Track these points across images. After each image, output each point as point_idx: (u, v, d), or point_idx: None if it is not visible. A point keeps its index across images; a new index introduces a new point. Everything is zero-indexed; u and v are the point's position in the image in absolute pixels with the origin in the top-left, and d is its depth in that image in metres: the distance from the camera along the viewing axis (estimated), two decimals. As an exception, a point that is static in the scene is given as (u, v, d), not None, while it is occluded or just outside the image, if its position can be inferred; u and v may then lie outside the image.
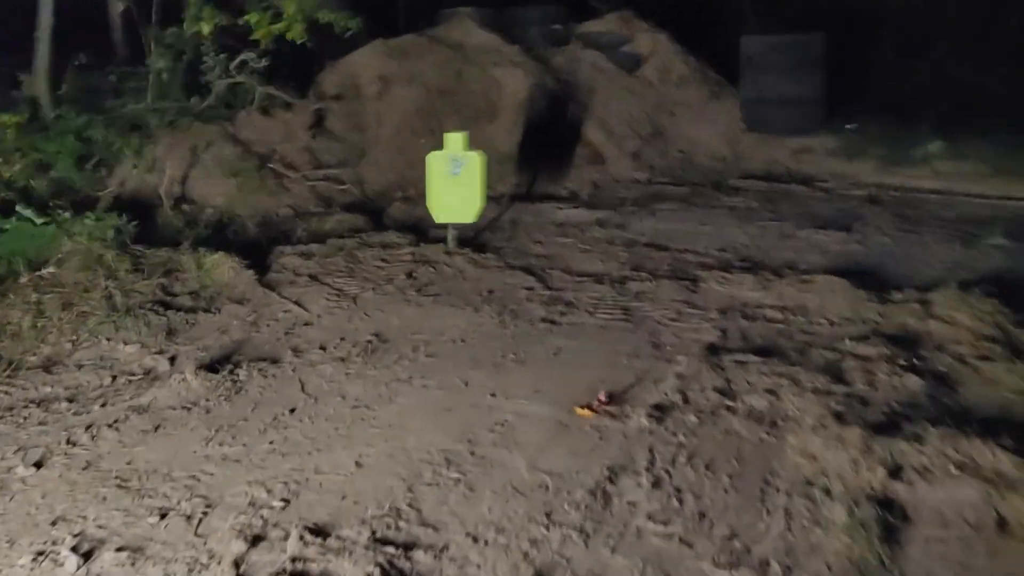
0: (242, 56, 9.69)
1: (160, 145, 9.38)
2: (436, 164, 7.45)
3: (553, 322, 6.02)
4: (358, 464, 4.07)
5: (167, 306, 6.28)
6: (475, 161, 7.41)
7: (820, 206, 9.60)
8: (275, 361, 5.49)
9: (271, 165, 9.85)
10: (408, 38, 11.93)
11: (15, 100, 9.64)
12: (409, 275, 7.04)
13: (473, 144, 11.31)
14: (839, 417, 4.17)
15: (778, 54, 12.24)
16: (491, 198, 9.66)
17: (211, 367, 5.31)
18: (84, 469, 4.10)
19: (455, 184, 7.42)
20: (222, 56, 9.89)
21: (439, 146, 7.52)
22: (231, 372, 5.27)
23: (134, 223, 7.26)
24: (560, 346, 5.59)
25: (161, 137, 9.46)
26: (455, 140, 7.40)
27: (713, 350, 5.39)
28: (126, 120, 9.66)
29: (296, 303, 6.48)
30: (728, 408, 4.51)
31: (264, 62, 10.08)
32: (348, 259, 7.45)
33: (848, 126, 12.08)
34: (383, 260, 7.43)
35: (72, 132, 8.84)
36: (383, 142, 11.00)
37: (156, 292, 6.47)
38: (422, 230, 8.21)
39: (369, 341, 5.79)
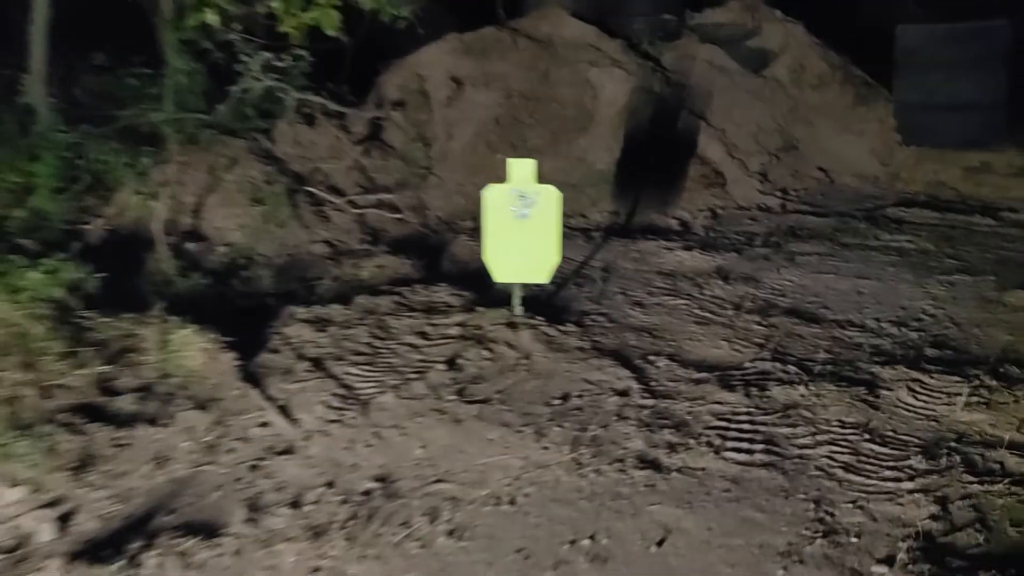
0: (266, 55, 7.63)
1: (170, 165, 7.43)
2: (496, 202, 5.25)
3: (657, 467, 3.77)
4: None
5: (97, 415, 4.27)
6: (550, 199, 5.19)
7: (1022, 248, 7.03)
8: (213, 534, 3.41)
9: (310, 188, 7.81)
10: (487, 32, 9.75)
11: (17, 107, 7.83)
12: (451, 363, 4.88)
13: (562, 160, 9.16)
14: None
15: (948, 47, 9.60)
16: (579, 231, 7.47)
17: (104, 548, 3.26)
18: None
19: (521, 231, 5.21)
20: (257, 55, 7.86)
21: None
22: (131, 562, 3.20)
23: (101, 275, 5.28)
24: (667, 525, 3.35)
25: (173, 155, 7.52)
26: (522, 169, 5.18)
27: (932, 544, 3.06)
28: (135, 133, 7.75)
29: (282, 410, 4.38)
30: None
31: (298, 61, 8.02)
32: (375, 330, 5.34)
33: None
34: (422, 334, 5.28)
35: (59, 149, 6.95)
36: (452, 159, 8.86)
37: (89, 390, 4.46)
38: (486, 281, 5.99)
39: (368, 493, 3.67)
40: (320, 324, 5.43)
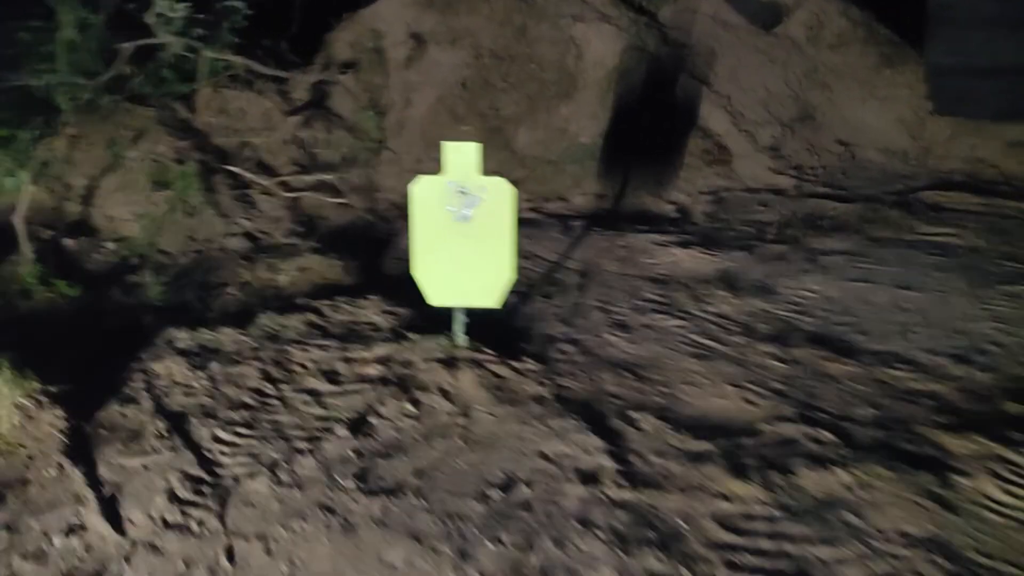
0: (180, 5, 6.18)
1: (56, 139, 6.05)
2: (427, 200, 3.86)
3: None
4: None
5: None
6: (500, 196, 3.81)
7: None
8: None
9: (232, 167, 6.40)
10: (455, -19, 8.26)
11: None
12: (360, 424, 3.52)
13: (540, 131, 7.76)
14: None
15: (990, 1, 8.08)
16: (556, 218, 6.09)
17: None
18: None
19: (462, 238, 3.83)
20: (167, 3, 6.42)
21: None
22: None
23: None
24: None
25: (62, 127, 6.13)
26: (462, 155, 3.78)
27: None
28: (29, 100, 6.35)
29: (106, 504, 3.04)
30: None
31: (232, 14, 6.58)
32: (271, 368, 3.99)
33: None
34: (331, 374, 3.94)
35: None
36: (410, 130, 7.45)
37: None
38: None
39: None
40: (201, 358, 4.08)
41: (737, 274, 5.26)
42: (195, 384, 3.86)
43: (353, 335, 4.32)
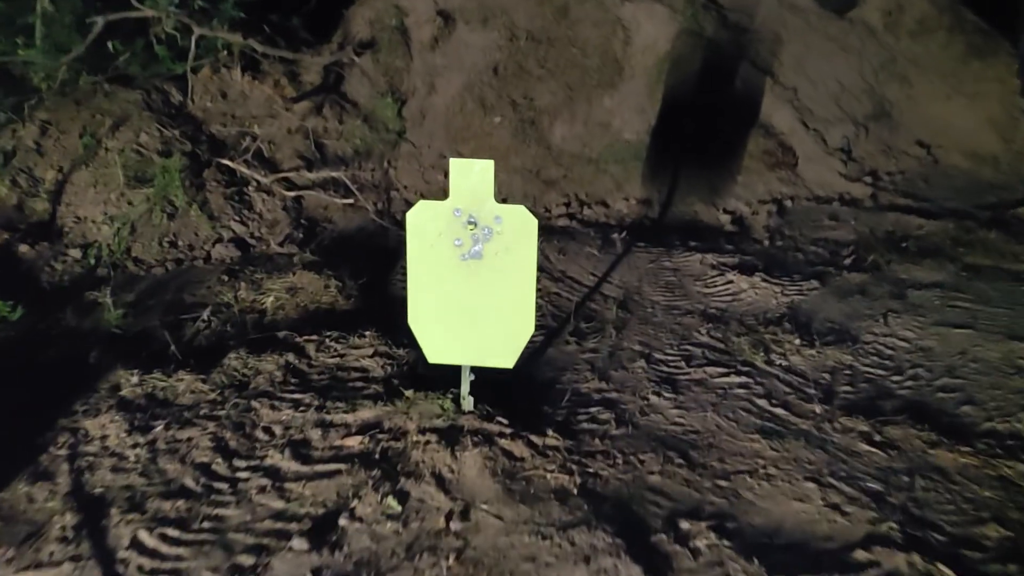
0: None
1: (27, 127, 5.25)
2: (427, 233, 2.97)
3: None
4: None
5: None
6: (520, 230, 2.90)
7: None
8: None
9: (226, 161, 5.56)
10: (489, -48, 7.32)
11: None
12: (324, 531, 2.67)
13: (579, 126, 6.81)
14: None
15: (1101, -14, 7.01)
16: (594, 228, 5.21)
17: None
18: None
19: (470, 282, 2.93)
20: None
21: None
22: None
23: None
24: None
25: (31, 112, 5.33)
26: (473, 176, 2.88)
27: None
28: (7, 78, 5.58)
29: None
30: None
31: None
32: (228, 435, 3.15)
33: None
34: (301, 446, 3.09)
35: None
36: (433, 120, 6.56)
37: None
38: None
39: None
40: (147, 414, 3.25)
41: (810, 313, 4.32)
42: (130, 455, 3.04)
43: (337, 387, 3.47)
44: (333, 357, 3.74)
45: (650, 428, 3.31)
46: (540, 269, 4.83)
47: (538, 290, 4.65)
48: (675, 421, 3.36)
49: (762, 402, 3.49)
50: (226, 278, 4.62)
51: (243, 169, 5.59)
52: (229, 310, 4.28)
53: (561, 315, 4.32)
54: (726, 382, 3.65)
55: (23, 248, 4.65)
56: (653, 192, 6.24)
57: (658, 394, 3.55)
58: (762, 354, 3.86)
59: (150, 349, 3.84)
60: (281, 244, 5.22)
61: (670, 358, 3.88)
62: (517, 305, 2.99)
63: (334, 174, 5.85)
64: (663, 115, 6.62)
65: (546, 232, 5.55)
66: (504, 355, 3.06)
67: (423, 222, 2.96)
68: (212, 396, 3.41)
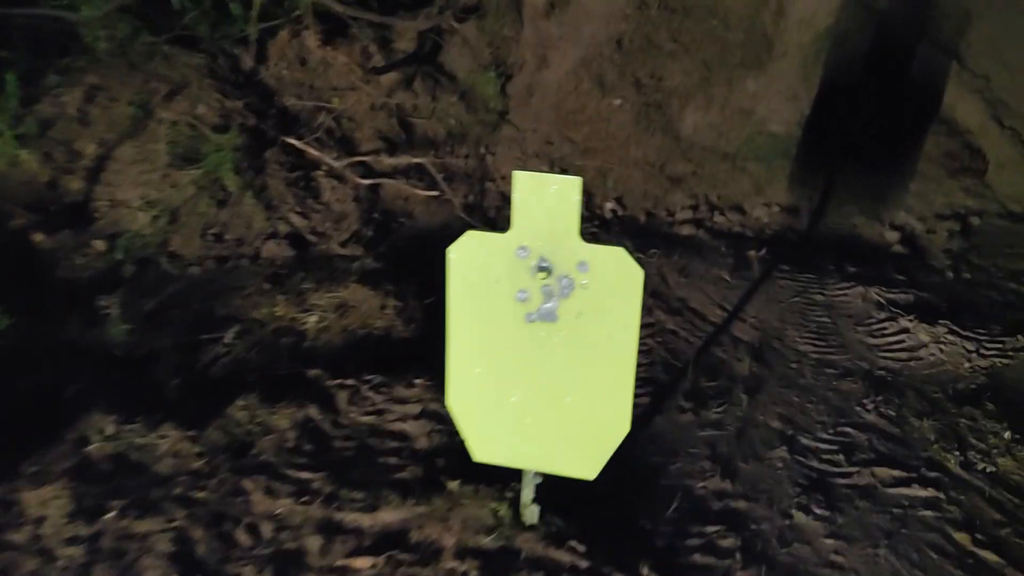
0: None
1: (72, 91, 4.53)
2: (476, 280, 1.94)
3: None
4: None
5: None
6: (619, 283, 1.85)
7: None
8: None
9: (292, 140, 4.71)
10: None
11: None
12: None
13: (715, 112, 5.64)
14: None
15: None
16: (724, 239, 4.14)
17: None
18: None
19: (541, 353, 1.91)
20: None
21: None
22: None
23: None
24: None
25: (85, 75, 4.62)
26: (554, 197, 1.84)
27: None
28: (51, 36, 4.88)
29: None
30: None
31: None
32: (192, 538, 2.26)
33: None
34: (290, 569, 2.13)
35: None
36: (542, 99, 5.55)
37: None
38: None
39: None
40: (104, 488, 2.39)
41: (1018, 387, 3.12)
42: (60, 555, 2.19)
43: (362, 462, 2.54)
44: (368, 414, 2.82)
45: (793, 569, 2.24)
46: (654, 295, 3.79)
47: (649, 324, 3.62)
48: (829, 560, 2.28)
49: (961, 536, 2.36)
50: (268, 286, 3.77)
51: (312, 150, 4.73)
52: (262, 330, 3.41)
53: (675, 364, 3.27)
54: (905, 495, 2.54)
55: (39, 237, 3.90)
56: (802, 198, 5.07)
57: (806, 509, 2.47)
58: (956, 452, 2.72)
59: (147, 382, 3.01)
60: (345, 243, 4.35)
61: (823, 446, 2.79)
62: (606, 393, 1.98)
63: (419, 160, 4.93)
64: (819, 103, 5.41)
65: (666, 243, 4.50)
66: (582, 462, 2.06)
67: (472, 263, 1.97)
68: (197, 464, 2.54)
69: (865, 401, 3.07)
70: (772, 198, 5.11)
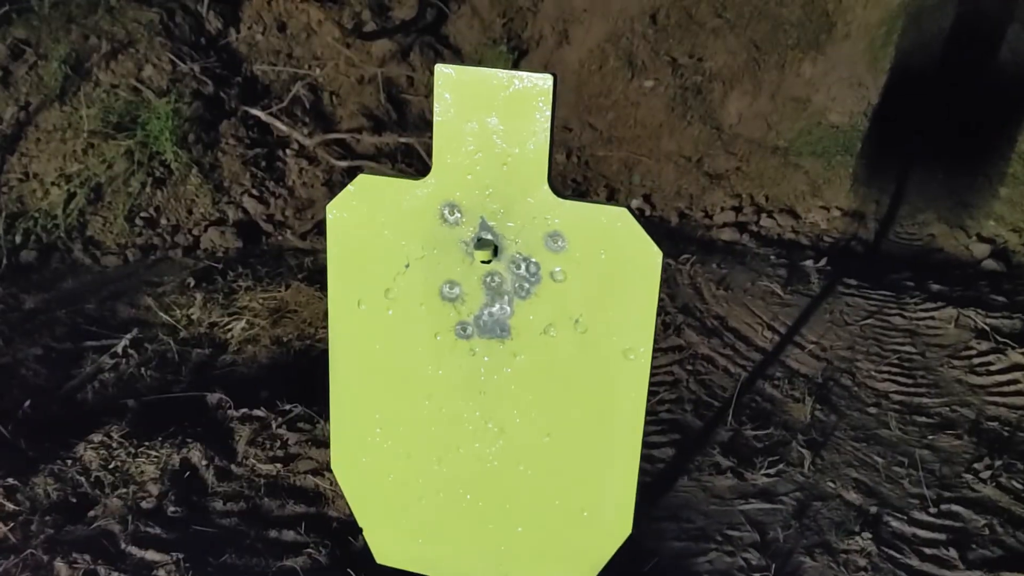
0: None
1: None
2: (369, 260, 1.06)
3: None
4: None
5: None
6: (625, 259, 0.97)
7: None
8: None
9: (255, 111, 3.91)
10: None
11: None
12: None
13: (765, 101, 4.74)
14: None
15: None
16: (775, 247, 3.24)
17: None
18: None
19: (482, 391, 1.02)
20: None
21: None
22: None
23: None
24: None
25: (12, 28, 3.86)
26: (510, 110, 0.96)
27: None
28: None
29: None
30: None
31: None
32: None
33: None
34: None
35: None
36: (560, 80, 4.63)
37: None
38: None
39: None
40: None
41: None
42: None
43: (241, 540, 1.69)
44: (270, 461, 1.98)
45: None
46: (684, 310, 2.92)
47: (677, 348, 2.75)
48: None
49: None
50: (192, 282, 2.93)
51: (280, 124, 3.93)
52: (170, 337, 2.58)
53: (712, 404, 2.39)
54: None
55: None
56: (867, 201, 4.18)
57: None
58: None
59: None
60: (305, 235, 3.53)
61: (923, 533, 1.89)
62: (595, 469, 1.10)
63: (408, 140, 4.10)
64: (889, 92, 4.52)
65: (702, 249, 3.63)
66: (574, 570, 1.18)
67: (365, 231, 1.11)
68: (3, 530, 1.69)
69: (977, 466, 2.17)
70: (831, 201, 4.22)
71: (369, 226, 1.12)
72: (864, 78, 4.63)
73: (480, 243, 1.08)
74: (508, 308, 1.11)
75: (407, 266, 1.12)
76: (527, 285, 1.09)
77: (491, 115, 1.04)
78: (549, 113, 1.02)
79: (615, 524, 1.14)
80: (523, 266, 1.08)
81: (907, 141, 4.39)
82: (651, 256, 1.03)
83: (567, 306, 1.08)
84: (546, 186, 1.05)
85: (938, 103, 4.46)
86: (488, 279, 1.10)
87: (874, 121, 4.49)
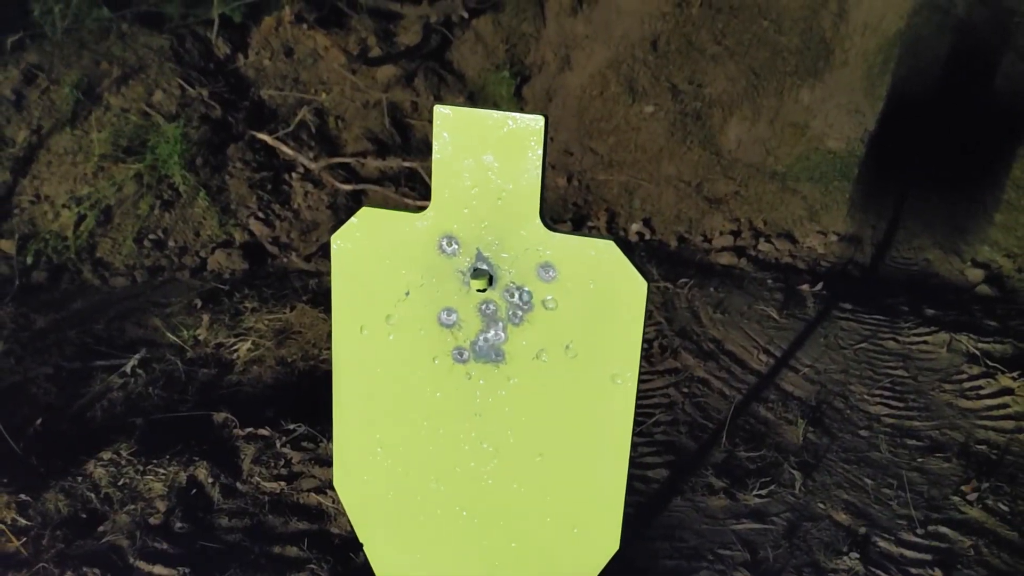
0: None
1: (11, 70, 3.87)
2: (370, 288, 1.14)
3: None
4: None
5: None
6: (606, 299, 1.04)
7: None
8: None
9: (262, 135, 3.99)
10: None
11: None
12: None
13: (764, 126, 4.81)
14: None
15: None
16: (771, 271, 3.31)
17: None
18: None
19: (477, 411, 1.10)
20: None
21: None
22: None
23: None
24: None
25: (25, 53, 3.96)
26: (506, 149, 1.03)
27: None
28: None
29: None
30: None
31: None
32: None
33: None
34: None
35: None
36: (562, 105, 4.81)
37: None
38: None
39: None
40: None
41: None
42: None
43: (244, 555, 1.75)
44: (274, 479, 2.03)
45: None
46: (682, 333, 2.98)
47: (673, 371, 2.81)
48: None
49: None
50: (199, 303, 3.00)
51: (286, 148, 4.00)
52: (177, 357, 2.64)
53: (707, 426, 2.45)
54: (1039, 642, 1.68)
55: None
56: (864, 226, 4.24)
57: (891, 658, 1.62)
58: (1107, 574, 1.85)
59: (6, 423, 2.24)
60: (310, 258, 3.59)
61: (910, 554, 1.94)
62: (583, 487, 1.16)
63: (411, 164, 4.17)
64: (886, 119, 4.59)
65: (701, 273, 3.69)
66: None
67: (368, 261, 1.18)
68: (14, 546, 1.75)
69: (964, 488, 2.22)
70: (828, 225, 4.29)
71: (371, 256, 1.19)
72: (861, 105, 4.71)
73: (476, 273, 1.15)
74: (502, 334, 1.18)
75: (407, 294, 1.19)
76: (520, 312, 1.16)
77: (486, 153, 1.11)
78: (540, 151, 1.09)
79: (604, 540, 1.20)
80: (516, 295, 1.15)
81: (903, 167, 4.46)
82: (637, 286, 1.10)
83: (558, 333, 1.15)
84: (538, 220, 1.12)
85: (934, 130, 4.54)
86: (483, 307, 1.17)
87: (871, 147, 4.56)
